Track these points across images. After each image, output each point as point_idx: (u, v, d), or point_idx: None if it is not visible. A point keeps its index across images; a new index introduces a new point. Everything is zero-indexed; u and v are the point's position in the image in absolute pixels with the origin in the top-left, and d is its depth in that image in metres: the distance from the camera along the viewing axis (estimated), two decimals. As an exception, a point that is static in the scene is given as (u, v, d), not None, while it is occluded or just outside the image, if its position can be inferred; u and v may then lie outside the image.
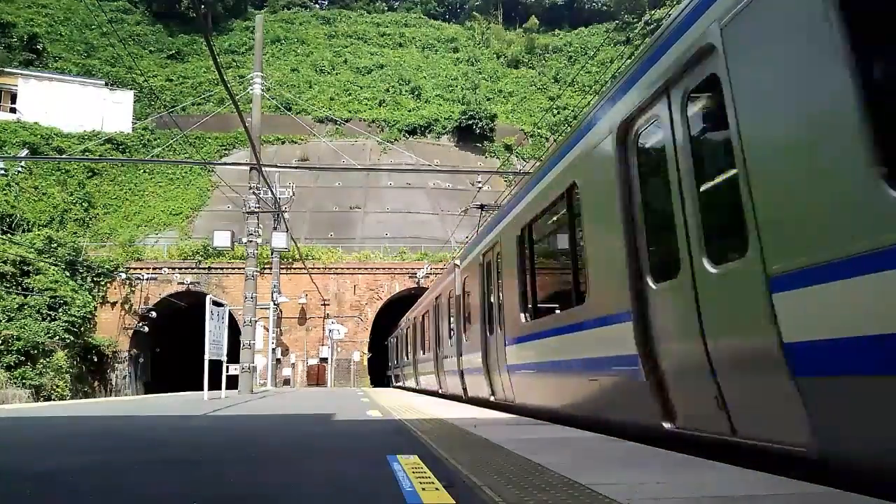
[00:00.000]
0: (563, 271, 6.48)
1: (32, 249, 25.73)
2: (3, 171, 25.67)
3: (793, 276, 2.75)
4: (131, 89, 40.32)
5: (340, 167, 34.95)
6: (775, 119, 2.91)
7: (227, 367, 15.15)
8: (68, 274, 26.67)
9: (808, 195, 2.70)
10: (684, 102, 3.75)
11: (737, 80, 3.17)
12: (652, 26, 35.24)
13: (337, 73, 48.95)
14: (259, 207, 19.00)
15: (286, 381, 29.38)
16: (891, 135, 2.35)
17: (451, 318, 12.49)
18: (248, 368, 17.49)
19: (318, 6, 64.22)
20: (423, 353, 17.34)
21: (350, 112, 43.46)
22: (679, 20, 3.76)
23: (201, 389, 14.64)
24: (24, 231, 27.82)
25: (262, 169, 18.86)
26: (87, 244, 30.09)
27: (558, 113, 43.27)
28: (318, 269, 30.29)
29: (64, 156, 32.49)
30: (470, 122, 41.61)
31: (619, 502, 2.32)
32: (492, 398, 8.95)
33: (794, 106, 2.79)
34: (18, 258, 24.81)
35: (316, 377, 29.70)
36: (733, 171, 3.19)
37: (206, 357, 13.94)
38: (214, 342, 14.39)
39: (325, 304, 30.30)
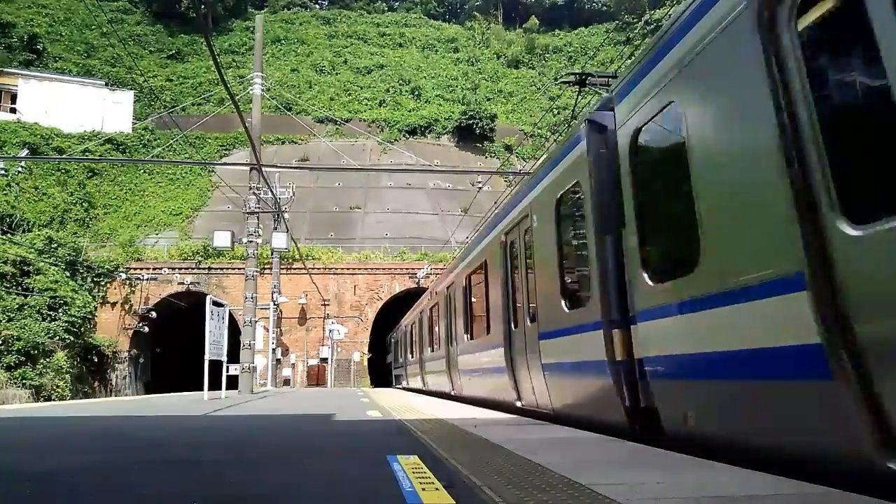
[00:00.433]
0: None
1: (32, 249, 25.73)
2: (3, 171, 25.69)
3: None
4: (131, 89, 40.32)
5: (340, 167, 34.97)
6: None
7: (227, 368, 15.14)
8: (68, 274, 26.67)
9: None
10: None
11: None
12: (652, 26, 35.25)
13: (337, 73, 48.95)
14: (259, 207, 19.00)
15: (286, 382, 29.38)
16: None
17: (463, 310, 11.17)
18: (248, 368, 17.49)
19: (318, 6, 64.23)
20: (432, 351, 15.72)
21: (350, 112, 43.46)
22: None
23: (201, 390, 14.63)
24: (24, 231, 27.82)
25: (262, 169, 18.87)
26: (87, 244, 30.09)
27: (558, 113, 43.24)
28: (318, 269, 30.30)
29: (64, 156, 32.50)
30: (470, 122, 41.62)
31: (619, 502, 2.32)
32: (518, 403, 7.60)
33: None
34: (18, 258, 24.81)
35: (316, 377, 29.70)
36: None
37: (207, 357, 13.93)
38: (214, 342, 14.38)
39: (325, 305, 30.30)
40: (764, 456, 3.15)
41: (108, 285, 28.85)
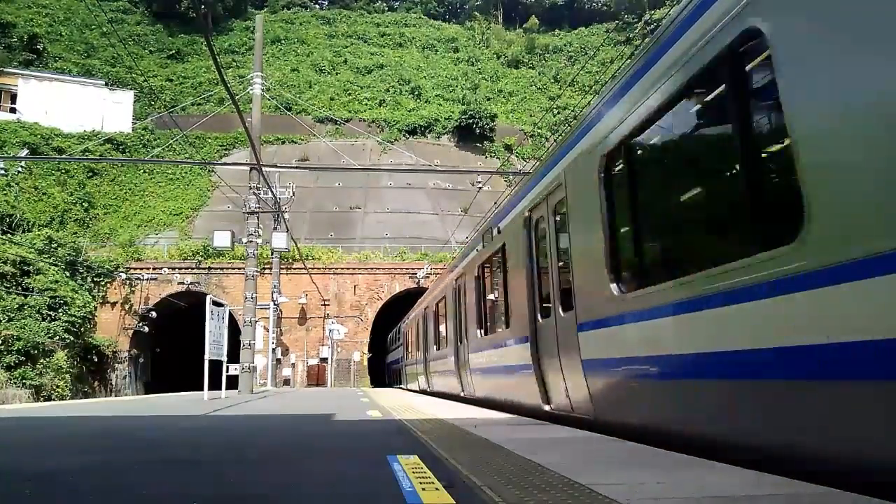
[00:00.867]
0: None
1: (32, 249, 25.73)
2: (3, 171, 25.67)
3: None
4: (131, 89, 40.33)
5: (340, 167, 34.97)
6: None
7: (227, 367, 15.14)
8: (68, 274, 26.67)
9: None
10: None
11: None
12: (652, 26, 35.25)
13: (337, 73, 48.95)
14: (259, 207, 19.00)
15: (286, 382, 29.38)
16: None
17: (476, 302, 9.97)
18: (248, 368, 17.49)
19: (318, 6, 64.24)
20: (438, 349, 14.54)
21: (350, 112, 43.47)
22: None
23: (201, 389, 14.63)
24: (24, 231, 27.82)
25: (262, 169, 18.87)
26: (87, 244, 30.10)
27: (558, 113, 43.27)
28: (318, 269, 30.30)
29: (64, 156, 32.50)
30: (470, 122, 41.63)
31: (619, 502, 2.32)
32: (546, 407, 6.57)
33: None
34: (18, 258, 24.81)
35: (316, 377, 29.70)
36: None
37: (206, 357, 13.93)
38: (214, 342, 14.39)
39: (325, 304, 30.30)
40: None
41: (108, 285, 28.86)
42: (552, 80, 50.54)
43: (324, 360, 29.71)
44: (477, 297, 9.96)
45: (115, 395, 27.16)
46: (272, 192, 20.39)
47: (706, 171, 4.05)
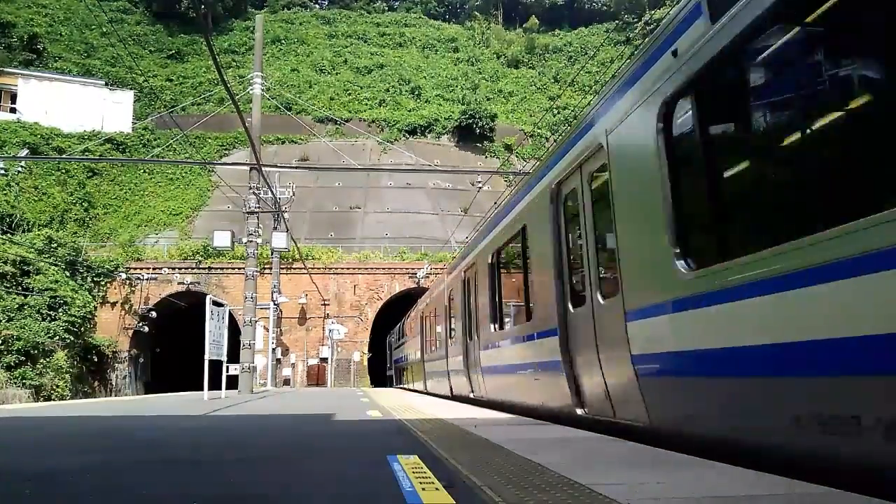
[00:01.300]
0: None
1: (32, 249, 25.73)
2: (3, 171, 25.70)
3: None
4: (131, 89, 40.33)
5: (340, 167, 34.96)
6: None
7: (227, 367, 15.15)
8: (68, 274, 26.67)
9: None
10: None
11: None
12: (652, 26, 35.24)
13: (337, 73, 48.96)
14: (259, 207, 19.01)
15: (286, 381, 29.39)
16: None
17: (489, 294, 9.00)
18: (248, 368, 17.49)
19: (318, 6, 64.23)
20: (442, 347, 13.59)
21: (350, 112, 43.47)
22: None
23: (201, 389, 14.63)
24: (24, 231, 27.82)
25: (262, 169, 18.88)
26: (87, 244, 30.10)
27: (558, 113, 43.28)
28: (318, 269, 30.31)
29: (64, 156, 32.49)
30: (470, 122, 41.63)
31: (619, 502, 2.32)
32: (579, 411, 5.67)
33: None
34: (18, 258, 24.81)
35: (316, 377, 29.71)
36: None
37: (206, 357, 13.94)
38: (214, 342, 14.39)
39: (325, 304, 30.31)
40: None
41: (108, 285, 28.87)
42: (552, 80, 50.53)
43: (324, 360, 29.71)
44: (490, 287, 9.06)
45: (115, 395, 27.16)
46: (272, 192, 20.39)
47: (828, 95, 3.01)
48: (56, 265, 26.13)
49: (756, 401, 3.22)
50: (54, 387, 23.56)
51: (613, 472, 3.00)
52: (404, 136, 42.06)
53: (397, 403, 11.07)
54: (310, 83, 46.97)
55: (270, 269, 27.20)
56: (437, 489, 2.76)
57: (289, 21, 56.98)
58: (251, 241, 18.56)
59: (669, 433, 4.08)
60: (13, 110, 36.46)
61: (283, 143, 40.10)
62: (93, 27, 44.63)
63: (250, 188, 18.79)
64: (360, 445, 4.83)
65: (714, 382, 3.56)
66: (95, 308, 27.60)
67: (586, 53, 50.68)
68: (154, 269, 29.63)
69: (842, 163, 2.96)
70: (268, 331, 26.33)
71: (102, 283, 28.64)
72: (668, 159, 3.96)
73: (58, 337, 24.13)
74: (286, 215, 23.63)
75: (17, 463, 4.19)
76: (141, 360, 30.14)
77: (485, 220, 10.84)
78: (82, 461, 4.12)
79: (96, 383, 27.66)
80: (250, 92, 20.07)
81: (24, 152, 31.20)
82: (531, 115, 45.03)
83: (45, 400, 22.04)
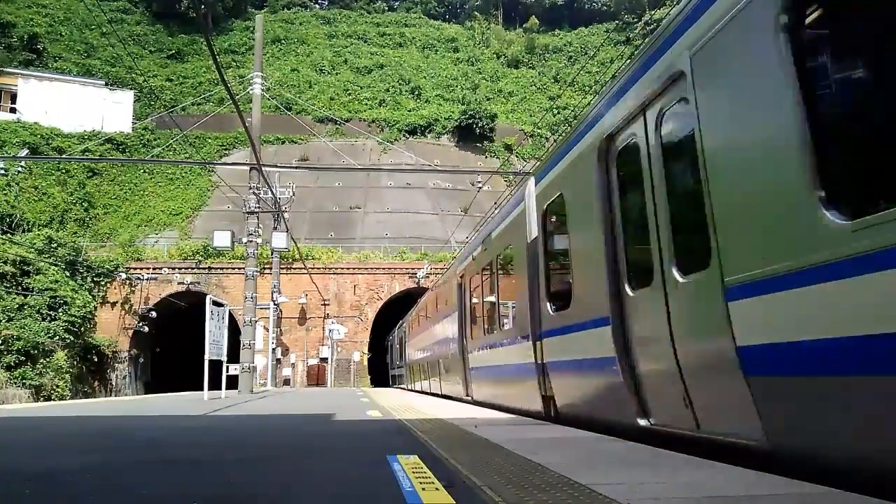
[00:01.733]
0: None
1: (32, 249, 25.73)
2: (3, 171, 25.69)
3: None
4: (131, 89, 40.33)
5: (340, 167, 34.96)
6: None
7: (227, 367, 15.16)
8: (68, 274, 26.68)
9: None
10: None
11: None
12: (652, 26, 35.26)
13: (337, 73, 48.96)
14: (259, 207, 19.01)
15: (286, 381, 29.39)
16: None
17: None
18: (248, 368, 17.50)
19: (318, 6, 64.23)
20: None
21: (350, 112, 43.47)
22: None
23: (201, 389, 14.64)
24: (24, 231, 27.83)
25: (262, 169, 18.87)
26: (87, 244, 30.10)
27: (558, 113, 43.28)
28: (318, 269, 30.31)
29: (64, 156, 32.49)
30: (470, 122, 41.64)
31: (619, 502, 2.32)
32: (643, 422, 4.48)
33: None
34: (18, 258, 24.81)
35: (316, 377, 29.71)
36: None
37: (206, 357, 13.94)
38: (214, 342, 14.39)
39: (325, 304, 30.31)
40: None
41: (108, 285, 28.87)
42: (552, 80, 50.53)
43: (324, 360, 29.72)
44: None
45: (115, 395, 27.16)
46: (272, 192, 20.39)
47: None
48: (56, 265, 26.14)
49: None
50: (54, 387, 23.56)
51: (614, 472, 3.00)
52: (404, 136, 42.07)
53: (397, 403, 11.07)
54: (310, 83, 46.98)
55: (270, 269, 27.20)
56: (437, 489, 2.76)
57: (289, 21, 56.98)
58: (251, 241, 18.56)
59: (801, 457, 2.95)
60: (13, 110, 36.46)
61: (283, 143, 40.10)
62: (93, 27, 44.62)
63: (250, 188, 18.79)
64: (360, 445, 4.83)
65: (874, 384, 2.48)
66: (95, 308, 27.61)
67: (586, 53, 50.67)
68: (154, 269, 29.64)
69: None
70: (268, 331, 26.33)
71: (102, 283, 28.65)
72: (799, 67, 2.86)
73: (58, 337, 24.12)
74: (286, 215, 23.62)
75: (17, 463, 4.19)
76: (141, 360, 30.14)
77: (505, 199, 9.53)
78: (82, 461, 4.12)
79: (96, 383, 27.66)
80: (250, 92, 20.08)
81: (24, 152, 31.20)
82: (531, 115, 45.04)
83: (45, 400, 22.04)
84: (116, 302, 28.98)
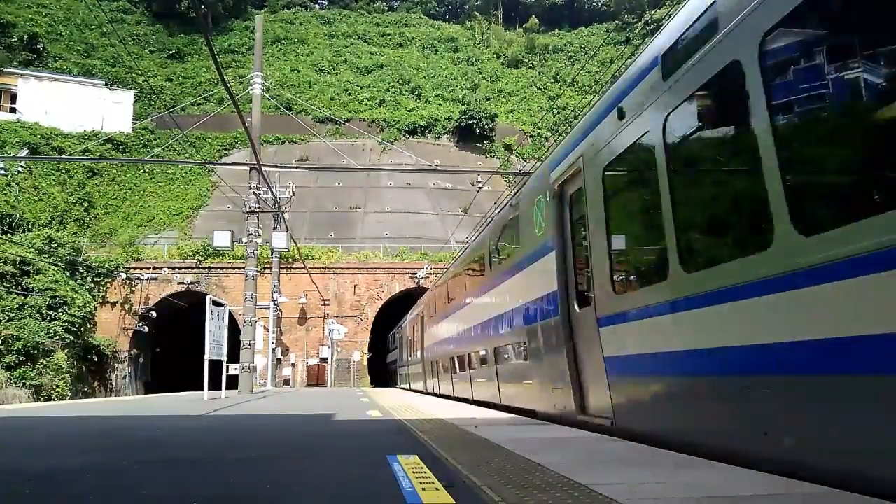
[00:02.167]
0: None
1: (32, 249, 25.73)
2: (3, 171, 25.68)
3: None
4: (131, 89, 40.32)
5: (340, 167, 34.96)
6: None
7: (227, 367, 15.15)
8: (68, 274, 26.67)
9: None
10: None
11: None
12: (652, 26, 35.27)
13: (337, 73, 48.95)
14: (259, 207, 19.00)
15: (286, 381, 29.39)
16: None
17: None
18: (248, 368, 17.50)
19: (318, 6, 64.20)
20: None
21: (350, 112, 43.47)
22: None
23: (201, 389, 14.63)
24: (24, 231, 27.82)
25: (262, 169, 18.87)
26: (87, 244, 30.09)
27: (558, 113, 43.28)
28: (318, 269, 30.31)
29: (64, 156, 32.49)
30: (470, 122, 41.63)
31: (619, 502, 2.32)
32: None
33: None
34: (18, 258, 24.81)
35: (316, 377, 29.71)
36: None
37: (206, 357, 13.93)
38: (214, 342, 14.39)
39: (325, 304, 30.31)
40: None
41: (108, 285, 28.87)
42: (552, 80, 50.52)
43: (324, 360, 29.72)
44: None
45: (115, 395, 27.15)
46: (272, 191, 20.39)
47: None
48: (56, 265, 26.13)
49: None
50: (54, 387, 23.56)
51: (614, 472, 3.00)
52: (404, 136, 42.07)
53: (397, 403, 11.08)
54: (310, 83, 46.97)
55: (270, 269, 27.19)
56: (437, 489, 2.76)
57: (289, 21, 56.96)
58: (251, 241, 18.56)
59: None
60: (13, 110, 36.45)
61: (283, 143, 40.10)
62: (93, 27, 44.62)
63: (250, 188, 18.79)
64: (360, 445, 4.83)
65: None
66: (95, 308, 27.60)
67: (586, 53, 50.66)
68: (154, 269, 29.63)
69: None
70: (268, 331, 26.33)
71: (102, 283, 28.64)
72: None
73: (58, 337, 24.12)
74: (286, 215, 23.62)
75: (17, 463, 4.19)
76: (141, 360, 30.14)
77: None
78: (82, 461, 4.12)
79: (96, 383, 27.66)
80: (250, 92, 20.07)
81: (24, 152, 31.20)
82: (531, 115, 45.03)
83: (45, 400, 22.03)
84: (116, 302, 28.98)
